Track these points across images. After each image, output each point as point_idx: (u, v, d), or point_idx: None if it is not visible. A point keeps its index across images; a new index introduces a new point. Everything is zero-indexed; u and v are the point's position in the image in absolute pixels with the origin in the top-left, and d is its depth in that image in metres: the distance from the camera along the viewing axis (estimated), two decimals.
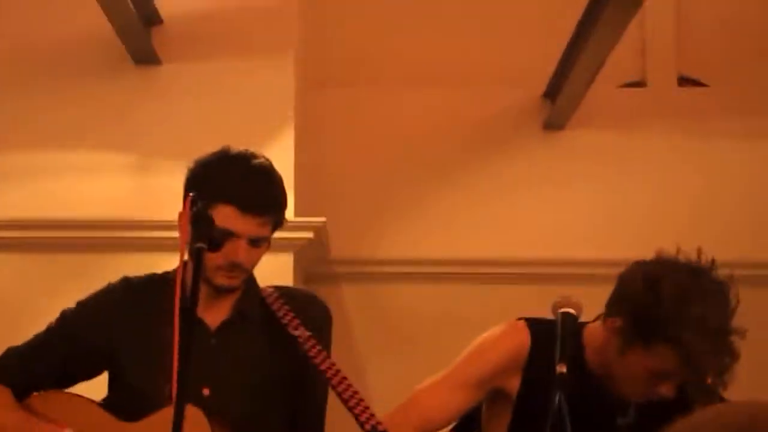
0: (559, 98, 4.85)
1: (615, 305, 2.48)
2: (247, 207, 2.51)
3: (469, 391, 2.58)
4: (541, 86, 5.02)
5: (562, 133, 5.07)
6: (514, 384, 2.57)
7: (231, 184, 2.53)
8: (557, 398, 2.24)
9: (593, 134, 5.07)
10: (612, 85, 5.06)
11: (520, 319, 2.63)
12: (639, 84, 5.20)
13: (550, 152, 5.04)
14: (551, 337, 2.44)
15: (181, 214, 2.58)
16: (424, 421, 2.56)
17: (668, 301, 2.36)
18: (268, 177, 2.59)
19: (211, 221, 2.39)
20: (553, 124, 5.04)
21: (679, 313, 2.34)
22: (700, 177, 4.99)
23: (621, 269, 2.54)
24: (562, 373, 2.28)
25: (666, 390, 2.41)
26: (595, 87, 4.66)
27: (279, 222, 2.61)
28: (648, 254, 4.87)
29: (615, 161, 5.03)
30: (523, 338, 2.57)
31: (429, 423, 2.53)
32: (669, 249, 2.46)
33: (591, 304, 2.54)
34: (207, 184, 2.52)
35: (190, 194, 2.46)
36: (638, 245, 4.83)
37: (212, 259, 2.49)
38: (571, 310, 2.41)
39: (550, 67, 4.83)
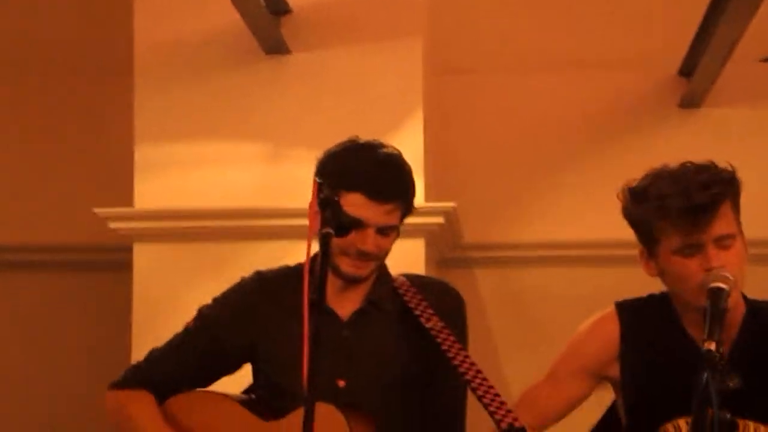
0: (695, 76, 4.74)
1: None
2: (374, 194, 2.50)
3: (573, 383, 2.58)
4: (676, 65, 4.91)
5: (699, 111, 4.96)
6: (615, 372, 2.56)
7: (359, 173, 2.52)
8: (704, 377, 2.19)
9: (731, 111, 4.94)
10: (749, 60, 4.91)
11: (615, 303, 2.62)
12: None
13: (686, 131, 4.94)
14: (643, 317, 2.52)
15: (311, 204, 2.56)
16: (537, 418, 2.55)
17: (641, 198, 2.50)
18: (397, 165, 2.57)
19: (338, 206, 2.38)
20: (690, 103, 4.94)
21: (647, 197, 2.48)
22: None
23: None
24: (709, 351, 2.23)
25: (706, 261, 2.38)
26: (732, 62, 4.53)
27: (408, 210, 2.59)
28: None
29: (754, 138, 4.89)
30: (611, 327, 2.56)
31: (544, 419, 2.54)
32: None
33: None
34: (335, 174, 2.52)
35: (317, 181, 2.46)
36: None
37: (340, 245, 2.47)
38: (721, 285, 2.34)
39: (684, 45, 4.72)
